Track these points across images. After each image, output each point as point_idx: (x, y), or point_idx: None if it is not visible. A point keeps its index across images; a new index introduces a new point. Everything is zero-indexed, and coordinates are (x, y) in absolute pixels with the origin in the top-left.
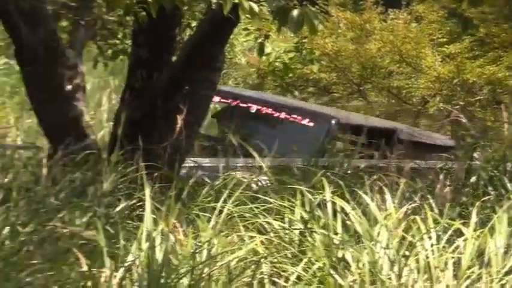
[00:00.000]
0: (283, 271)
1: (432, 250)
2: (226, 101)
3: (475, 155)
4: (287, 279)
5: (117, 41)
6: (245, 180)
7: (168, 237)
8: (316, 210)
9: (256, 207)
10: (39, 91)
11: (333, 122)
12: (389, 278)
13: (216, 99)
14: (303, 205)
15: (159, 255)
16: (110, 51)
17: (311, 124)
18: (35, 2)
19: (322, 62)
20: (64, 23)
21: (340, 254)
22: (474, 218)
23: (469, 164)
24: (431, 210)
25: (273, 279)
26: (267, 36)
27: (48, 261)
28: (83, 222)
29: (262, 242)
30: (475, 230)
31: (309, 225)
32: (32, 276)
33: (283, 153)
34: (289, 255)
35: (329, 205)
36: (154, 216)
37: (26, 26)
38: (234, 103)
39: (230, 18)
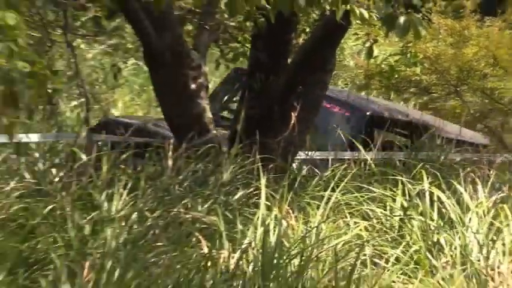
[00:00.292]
0: (384, 253)
1: None
2: None
3: None
4: (387, 261)
5: (238, 45)
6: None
7: (281, 222)
8: (415, 199)
9: (361, 196)
10: (166, 90)
11: (368, 113)
12: (478, 260)
13: None
14: (403, 194)
15: (272, 239)
16: (231, 54)
17: (347, 114)
18: (163, 8)
19: (424, 65)
20: (189, 27)
21: (435, 238)
22: None
23: None
24: None
25: (374, 260)
26: (375, 41)
27: (172, 244)
28: (204, 209)
29: (365, 228)
30: None
31: (408, 213)
32: (158, 257)
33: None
34: (390, 239)
35: (427, 194)
36: (268, 204)
37: (154, 31)
38: None
39: (342, 24)
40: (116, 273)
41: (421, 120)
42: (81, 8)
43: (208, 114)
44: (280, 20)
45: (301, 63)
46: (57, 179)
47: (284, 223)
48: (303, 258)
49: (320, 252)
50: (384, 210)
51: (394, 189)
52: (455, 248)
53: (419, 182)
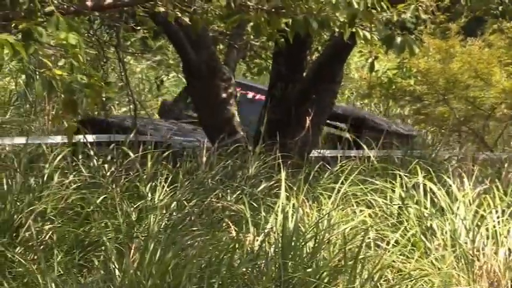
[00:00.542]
0: (385, 237)
1: (498, 221)
2: None
3: None
4: (388, 243)
5: (262, 61)
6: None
7: (298, 210)
8: (411, 190)
9: (366, 188)
10: (202, 98)
11: None
12: (466, 243)
13: None
14: (401, 186)
15: (291, 224)
16: (255, 69)
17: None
18: (200, 31)
19: (417, 77)
20: (221, 46)
21: (428, 224)
22: None
23: None
24: (498, 190)
25: (377, 243)
26: (376, 57)
27: (206, 229)
28: (233, 198)
29: (369, 215)
30: None
31: (405, 202)
32: (193, 240)
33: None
34: (390, 225)
35: (421, 186)
36: (287, 194)
37: (192, 49)
38: None
39: (348, 43)
40: (158, 254)
41: (349, 111)
42: (131, 29)
43: (237, 119)
44: (297, 40)
45: (314, 75)
46: (108, 173)
47: (300, 211)
48: (317, 241)
49: (331, 236)
50: (385, 199)
51: (393, 182)
52: (446, 233)
53: (415, 176)
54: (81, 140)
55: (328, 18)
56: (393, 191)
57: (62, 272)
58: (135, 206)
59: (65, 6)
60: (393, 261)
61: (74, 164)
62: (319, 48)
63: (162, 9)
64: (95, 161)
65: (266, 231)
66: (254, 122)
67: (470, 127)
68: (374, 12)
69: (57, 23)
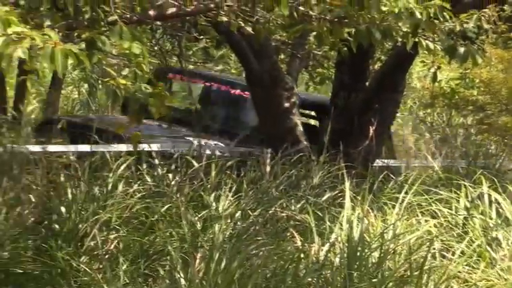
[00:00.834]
0: (450, 247)
1: None
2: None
3: None
4: (453, 254)
5: (324, 70)
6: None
7: (362, 220)
8: (476, 200)
9: (430, 198)
10: (264, 107)
11: None
12: None
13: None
14: (466, 196)
15: (355, 234)
16: (318, 78)
17: None
18: (262, 40)
19: (479, 87)
20: (282, 56)
21: (494, 234)
22: None
23: None
24: None
25: (442, 253)
26: (438, 67)
27: (270, 238)
28: (297, 208)
29: (434, 225)
30: None
31: (470, 212)
32: (258, 250)
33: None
34: (455, 235)
35: (486, 196)
36: (352, 204)
37: (255, 58)
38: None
39: (411, 53)
40: (223, 264)
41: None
42: (194, 39)
43: (300, 128)
44: (360, 50)
45: (377, 85)
46: (173, 183)
47: (365, 221)
48: (382, 251)
49: (396, 246)
50: (450, 210)
51: (458, 192)
52: (511, 243)
53: (479, 186)
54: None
55: (391, 28)
56: (458, 201)
57: (127, 281)
58: (199, 215)
59: (128, 15)
60: (459, 271)
61: (138, 173)
62: (382, 57)
63: (224, 18)
64: (159, 170)
65: (331, 241)
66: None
67: None
68: (436, 22)
69: (121, 32)
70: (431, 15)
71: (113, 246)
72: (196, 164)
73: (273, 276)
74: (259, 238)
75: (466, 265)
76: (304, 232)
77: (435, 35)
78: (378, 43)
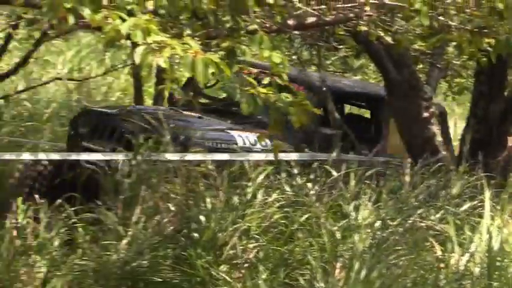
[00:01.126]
0: None
1: None
2: None
3: None
4: None
5: (462, 80)
6: None
7: (502, 230)
8: None
9: None
10: (403, 116)
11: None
12: None
13: None
14: None
15: (495, 244)
16: (456, 88)
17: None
18: (402, 50)
19: None
20: (420, 66)
21: None
22: None
23: None
24: None
25: None
26: None
27: (410, 248)
28: (437, 218)
29: None
30: None
31: None
32: (397, 259)
33: None
34: None
35: None
36: (491, 214)
37: (394, 68)
38: None
39: None
40: (362, 273)
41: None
42: (333, 49)
43: (438, 138)
44: (499, 60)
45: None
46: (312, 192)
47: (505, 231)
48: None
49: None
50: None
51: None
52: None
53: None
54: (284, 158)
55: None
56: None
57: None
58: (339, 225)
59: (268, 24)
60: None
61: (277, 182)
62: None
63: (364, 28)
64: (298, 179)
65: (471, 251)
66: None
67: None
68: None
69: (261, 41)
70: None
71: (252, 255)
72: (335, 173)
73: (413, 286)
74: (398, 248)
75: None
76: (443, 242)
77: None
78: None
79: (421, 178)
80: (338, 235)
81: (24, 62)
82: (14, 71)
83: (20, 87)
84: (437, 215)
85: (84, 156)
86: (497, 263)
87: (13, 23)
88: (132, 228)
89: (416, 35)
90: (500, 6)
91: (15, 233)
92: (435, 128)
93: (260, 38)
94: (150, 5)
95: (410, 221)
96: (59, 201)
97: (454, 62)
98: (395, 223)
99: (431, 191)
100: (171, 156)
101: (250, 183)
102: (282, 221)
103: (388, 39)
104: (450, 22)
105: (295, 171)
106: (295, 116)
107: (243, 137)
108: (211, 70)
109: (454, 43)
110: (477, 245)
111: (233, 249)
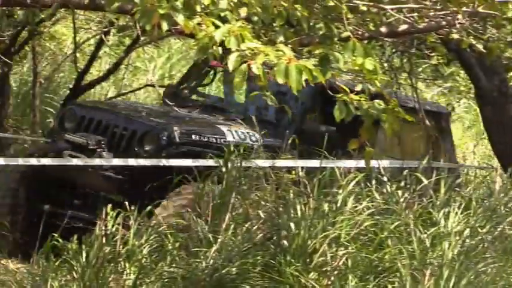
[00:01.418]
0: None
1: None
2: None
3: None
4: None
5: None
6: None
7: None
8: None
9: None
10: (493, 123)
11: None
12: None
13: None
14: None
15: None
16: None
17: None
18: (493, 58)
19: None
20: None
21: None
22: None
23: None
24: None
25: None
26: None
27: (499, 256)
28: None
29: None
30: None
31: None
32: (486, 267)
33: None
34: None
35: None
36: None
37: (484, 75)
38: None
39: None
40: (452, 281)
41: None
42: (426, 56)
43: None
44: None
45: None
46: (402, 199)
47: None
48: None
49: None
50: None
51: None
52: None
53: None
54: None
55: None
56: None
57: None
58: (428, 232)
59: (360, 32)
60: None
61: (367, 189)
62: None
63: (455, 36)
64: (388, 186)
65: None
66: None
67: None
68: None
69: (354, 48)
70: None
71: (341, 262)
72: (425, 181)
73: None
74: (488, 255)
75: None
76: None
77: None
78: None
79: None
80: (427, 243)
81: (115, 68)
82: (104, 77)
83: (111, 94)
84: None
85: (174, 163)
86: None
87: (105, 29)
88: (222, 235)
89: (508, 42)
90: None
91: (104, 240)
92: None
93: (353, 45)
94: (243, 12)
95: (499, 229)
96: (148, 208)
97: None
98: (484, 231)
99: None
100: (261, 162)
101: (340, 191)
102: (372, 229)
103: (480, 47)
104: None
105: (385, 179)
106: (389, 123)
107: (233, 132)
108: (304, 77)
109: None
110: None
111: (322, 257)
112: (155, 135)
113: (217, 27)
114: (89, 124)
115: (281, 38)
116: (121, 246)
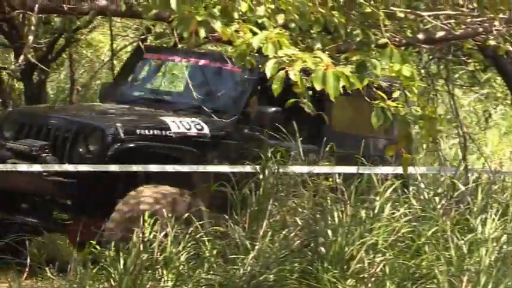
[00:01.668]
0: None
1: None
2: None
3: None
4: None
5: None
6: None
7: None
8: None
9: None
10: None
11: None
12: None
13: None
14: None
15: None
16: None
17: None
18: None
19: None
20: None
21: None
22: None
23: None
24: None
25: None
26: None
27: None
28: None
29: None
30: None
31: None
32: None
33: None
34: None
35: None
36: None
37: None
38: None
39: None
40: (489, 287)
41: None
42: (461, 63)
43: None
44: None
45: None
46: (439, 206)
47: None
48: None
49: None
50: None
51: None
52: None
53: None
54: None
55: None
56: None
57: None
58: (465, 239)
59: (397, 38)
60: None
61: (404, 196)
62: None
63: (492, 42)
64: (425, 193)
65: None
66: None
67: None
68: None
69: (391, 55)
70: None
71: (379, 269)
72: (462, 187)
73: None
74: None
75: None
76: None
77: None
78: None
79: None
80: (465, 249)
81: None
82: None
83: None
84: None
85: (210, 169)
86: None
87: (142, 36)
88: (259, 242)
89: None
90: None
91: (141, 247)
92: None
93: (390, 51)
94: (280, 19)
95: None
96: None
97: None
98: None
99: None
100: (299, 169)
101: (378, 197)
102: (409, 235)
103: None
104: None
105: (422, 185)
106: (425, 129)
107: (177, 122)
108: (342, 83)
109: None
110: None
111: (360, 263)
112: (99, 134)
113: (254, 34)
114: (30, 130)
115: (318, 45)
116: (158, 254)
